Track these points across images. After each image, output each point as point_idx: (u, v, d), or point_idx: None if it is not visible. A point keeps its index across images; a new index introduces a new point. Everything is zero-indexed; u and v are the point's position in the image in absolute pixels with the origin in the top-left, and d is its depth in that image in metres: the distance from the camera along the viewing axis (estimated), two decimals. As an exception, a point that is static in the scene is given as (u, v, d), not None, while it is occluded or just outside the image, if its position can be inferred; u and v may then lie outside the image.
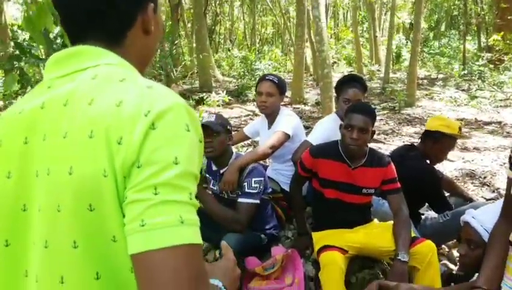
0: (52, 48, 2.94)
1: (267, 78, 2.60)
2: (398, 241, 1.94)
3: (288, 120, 2.51)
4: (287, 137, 2.46)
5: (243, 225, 2.06)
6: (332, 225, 2.17)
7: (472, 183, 4.00)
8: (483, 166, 4.41)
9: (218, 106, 8.63)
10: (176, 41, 9.35)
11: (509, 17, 10.90)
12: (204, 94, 9.07)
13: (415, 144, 2.65)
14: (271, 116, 2.62)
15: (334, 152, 2.12)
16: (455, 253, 2.44)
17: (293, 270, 2.11)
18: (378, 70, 12.64)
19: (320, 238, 2.13)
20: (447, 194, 3.08)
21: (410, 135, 5.96)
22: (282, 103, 2.72)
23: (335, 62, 19.71)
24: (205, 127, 2.06)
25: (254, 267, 2.05)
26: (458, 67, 11.47)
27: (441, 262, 2.53)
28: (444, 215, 2.40)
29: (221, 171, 2.20)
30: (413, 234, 2.04)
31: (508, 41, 10.69)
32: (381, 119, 7.13)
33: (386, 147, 5.13)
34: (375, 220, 2.27)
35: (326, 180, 2.13)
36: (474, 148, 5.16)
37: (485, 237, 1.40)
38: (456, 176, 4.17)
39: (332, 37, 21.89)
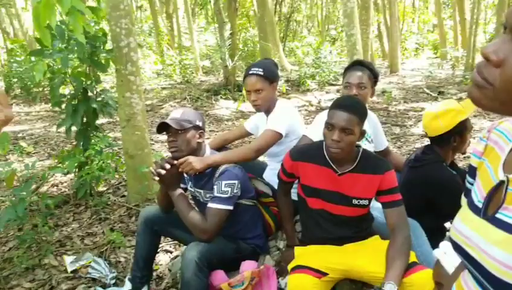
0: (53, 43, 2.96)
1: (250, 72, 2.23)
2: (389, 267, 1.55)
3: (280, 116, 2.17)
4: (279, 136, 2.13)
5: (209, 233, 1.82)
6: (319, 240, 1.82)
7: None
8: None
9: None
10: (230, 34, 9.21)
11: None
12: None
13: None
14: (268, 111, 2.32)
15: (317, 155, 1.76)
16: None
17: (268, 289, 1.83)
18: (464, 55, 11.21)
19: (299, 255, 1.81)
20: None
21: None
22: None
23: (418, 48, 18.18)
24: (165, 125, 1.87)
25: (219, 284, 1.80)
26: None
27: None
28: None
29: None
30: (413, 258, 1.62)
31: None
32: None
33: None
34: (376, 237, 1.85)
35: (308, 187, 1.79)
36: None
37: None
38: None
39: (413, 22, 20.09)
